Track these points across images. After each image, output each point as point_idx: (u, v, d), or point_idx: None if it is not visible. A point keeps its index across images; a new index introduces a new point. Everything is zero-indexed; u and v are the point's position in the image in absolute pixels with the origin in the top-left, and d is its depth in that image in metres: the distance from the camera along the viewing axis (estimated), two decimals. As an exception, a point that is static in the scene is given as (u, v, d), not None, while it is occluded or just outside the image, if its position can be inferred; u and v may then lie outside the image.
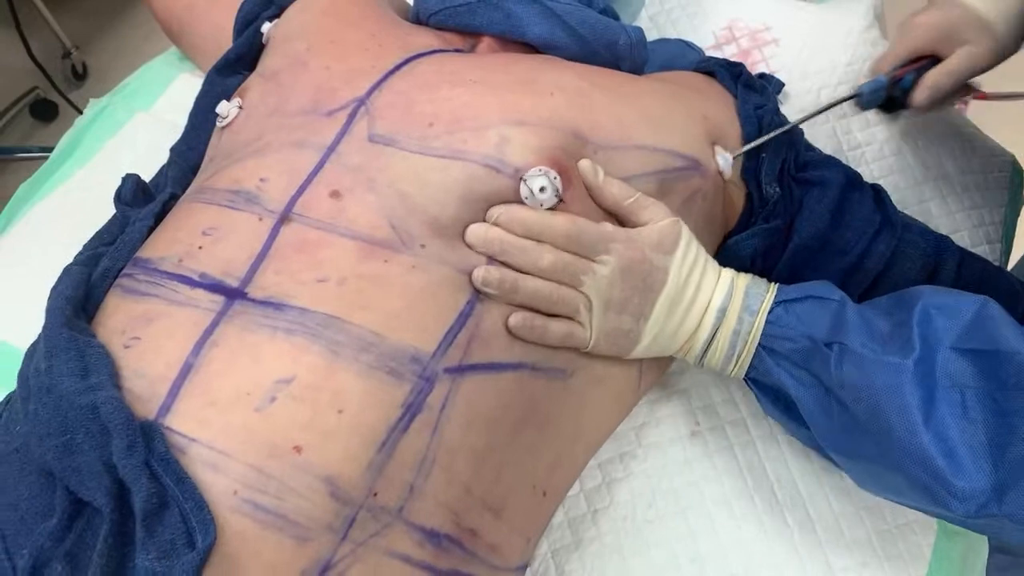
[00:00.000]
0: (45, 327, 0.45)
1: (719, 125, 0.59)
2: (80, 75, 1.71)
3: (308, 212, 0.48)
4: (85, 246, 0.55)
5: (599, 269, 0.50)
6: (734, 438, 0.60)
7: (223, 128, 0.57)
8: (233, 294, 0.45)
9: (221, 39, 0.69)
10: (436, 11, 0.62)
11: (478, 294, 0.47)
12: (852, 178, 0.62)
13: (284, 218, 0.48)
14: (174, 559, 0.37)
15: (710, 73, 0.66)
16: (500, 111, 0.50)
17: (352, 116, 0.52)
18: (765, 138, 0.59)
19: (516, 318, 0.48)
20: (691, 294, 0.52)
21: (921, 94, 0.63)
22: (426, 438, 0.44)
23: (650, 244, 0.50)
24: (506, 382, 0.48)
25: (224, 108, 0.58)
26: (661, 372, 0.62)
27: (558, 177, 0.48)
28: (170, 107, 0.79)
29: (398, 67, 0.55)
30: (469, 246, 0.48)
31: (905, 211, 0.69)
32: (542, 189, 0.47)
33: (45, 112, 1.67)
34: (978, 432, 0.44)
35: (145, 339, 0.44)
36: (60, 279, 0.50)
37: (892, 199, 0.65)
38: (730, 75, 0.64)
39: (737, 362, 0.53)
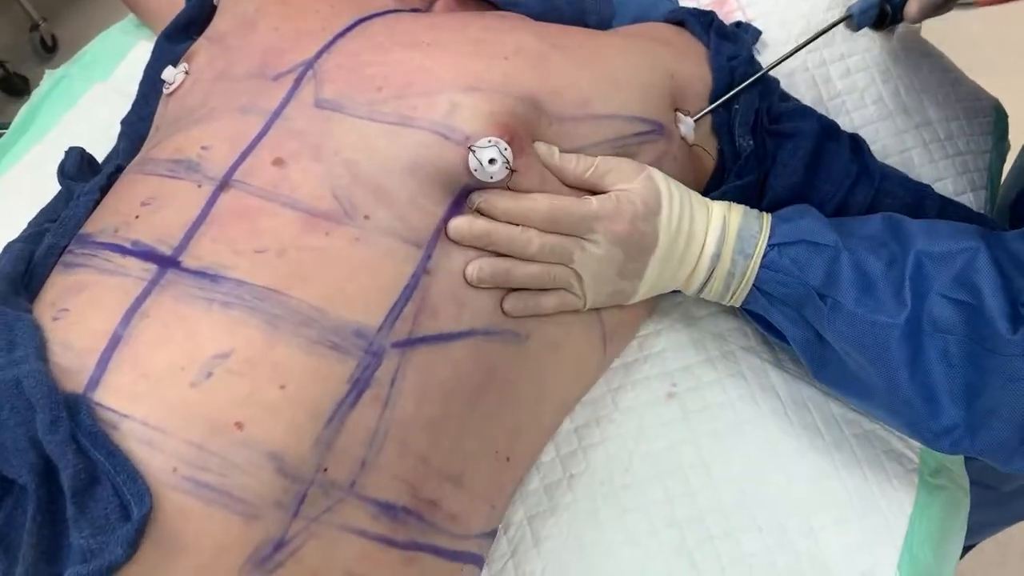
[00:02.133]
0: (-21, 304, 0.43)
1: (686, 80, 0.56)
2: (49, 48, 1.68)
3: (249, 179, 0.46)
4: (30, 223, 0.54)
5: (590, 248, 0.49)
6: (711, 399, 0.59)
7: (169, 95, 0.55)
8: (166, 262, 0.43)
9: (176, 4, 0.66)
10: None
11: (424, 265, 0.45)
12: (828, 128, 0.60)
13: (224, 184, 0.46)
14: (108, 534, 0.35)
15: (680, 23, 0.63)
16: (453, 75, 0.48)
17: (299, 80, 0.50)
18: (730, 94, 0.57)
19: (510, 302, 0.48)
20: (683, 244, 0.52)
21: (913, 4, 0.60)
22: (376, 412, 0.42)
23: (634, 213, 0.49)
24: (458, 351, 0.46)
25: (170, 74, 0.56)
26: (630, 338, 0.60)
27: (508, 148, 0.46)
28: (129, 77, 0.76)
29: (349, 28, 0.53)
30: (454, 240, 0.46)
31: (887, 161, 0.68)
32: (491, 161, 0.45)
33: (15, 87, 1.64)
34: (956, 376, 0.47)
35: (74, 310, 0.42)
36: (6, 258, 0.48)
37: (873, 149, 0.63)
38: (701, 24, 0.62)
39: (732, 297, 0.54)
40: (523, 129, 0.47)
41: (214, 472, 0.38)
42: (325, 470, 0.41)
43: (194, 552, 0.37)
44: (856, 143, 0.61)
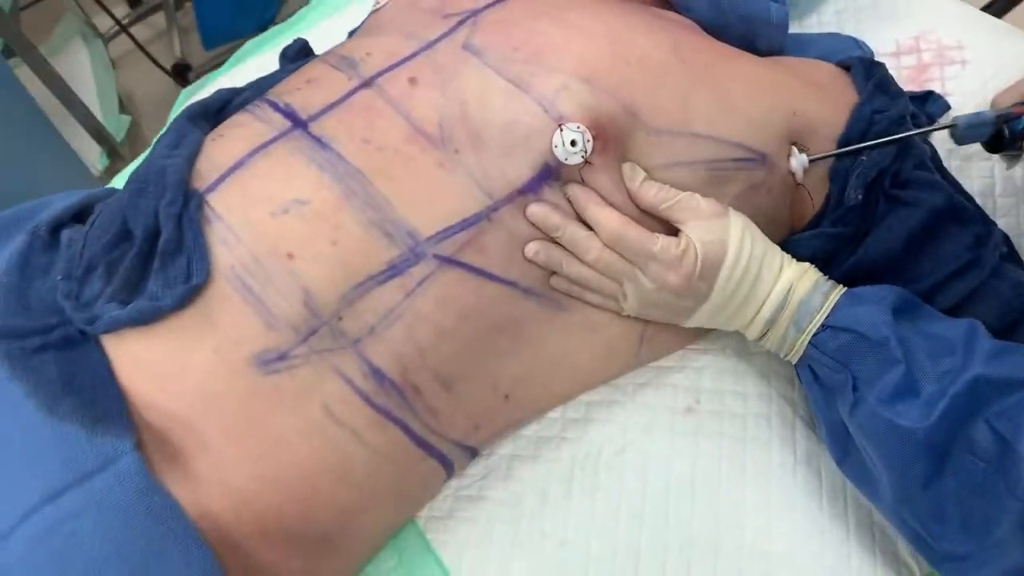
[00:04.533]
0: (175, 117, 0.58)
1: (810, 122, 0.57)
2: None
3: (386, 86, 0.55)
4: (247, 84, 0.69)
5: (642, 279, 0.53)
6: (728, 429, 0.59)
7: (374, 11, 0.67)
8: (298, 124, 0.54)
9: None
10: None
11: (488, 214, 0.51)
12: (955, 209, 0.56)
13: (366, 83, 0.56)
14: (171, 288, 0.47)
15: (847, 68, 0.62)
16: (576, 62, 0.52)
17: (460, 23, 0.58)
18: (856, 147, 0.56)
19: (555, 279, 0.54)
20: (739, 301, 0.54)
21: None
22: (398, 297, 0.50)
23: (692, 271, 0.51)
24: (491, 290, 0.52)
25: (380, -3, 0.68)
26: (671, 349, 0.62)
27: (591, 141, 0.50)
28: None
29: None
30: (531, 222, 0.52)
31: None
32: (572, 143, 0.50)
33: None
34: (977, 506, 0.46)
35: (226, 136, 0.55)
36: (211, 95, 0.63)
37: None
38: (865, 72, 0.60)
39: (785, 358, 0.55)
40: (614, 131, 0.51)
41: (258, 281, 0.49)
42: (340, 319, 0.50)
43: (220, 330, 0.48)
44: (984, 237, 0.56)
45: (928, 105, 0.68)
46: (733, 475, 0.57)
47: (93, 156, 1.48)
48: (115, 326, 0.48)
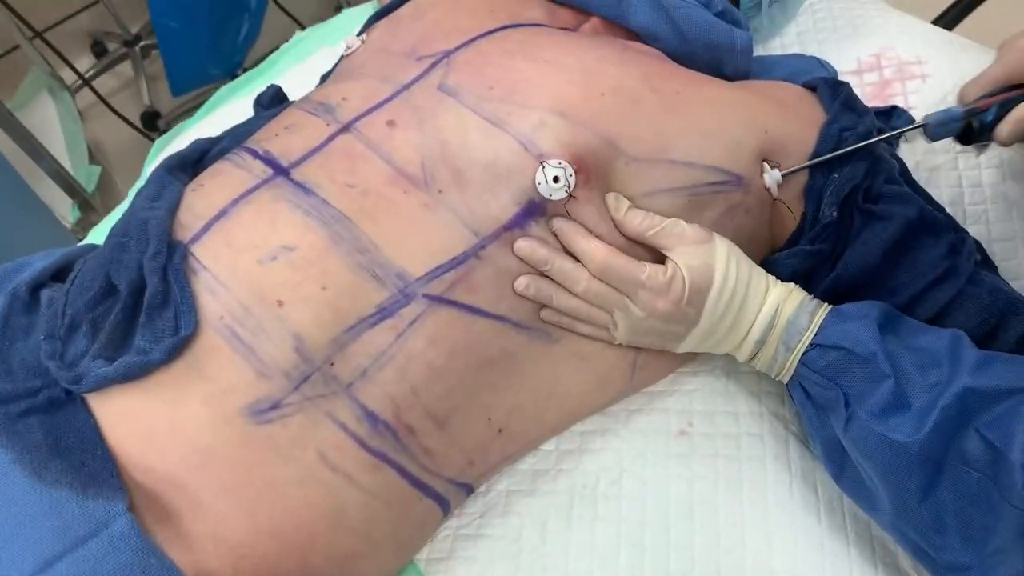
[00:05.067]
0: (154, 170, 0.58)
1: (781, 140, 0.58)
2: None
3: (364, 130, 0.56)
4: (223, 132, 0.69)
5: (631, 307, 0.54)
6: (723, 449, 0.59)
7: (346, 56, 0.68)
8: (280, 171, 0.54)
9: None
10: None
11: (476, 251, 0.52)
12: (928, 220, 0.57)
13: (345, 128, 0.56)
14: (159, 343, 0.47)
15: (813, 89, 0.64)
16: (551, 97, 0.53)
17: (434, 65, 0.59)
18: (822, 158, 0.57)
19: (548, 313, 0.54)
20: (728, 324, 0.55)
21: (1004, 128, 0.56)
22: (389, 339, 0.50)
23: (680, 296, 0.52)
24: (482, 326, 0.52)
25: (353, 41, 0.68)
26: (664, 374, 0.62)
27: (573, 175, 0.51)
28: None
29: (493, 31, 0.61)
30: (519, 257, 0.52)
31: (1017, 284, 0.62)
32: (555, 179, 0.51)
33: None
34: (975, 516, 0.46)
35: (207, 186, 0.55)
36: (188, 146, 0.63)
37: (1006, 266, 0.60)
38: (831, 92, 0.62)
39: (777, 377, 0.56)
40: (594, 163, 0.52)
41: (248, 330, 0.48)
42: (332, 364, 0.49)
43: (210, 382, 0.48)
44: (958, 245, 0.57)
45: (893, 119, 0.70)
46: (730, 495, 0.57)
47: (64, 208, 1.47)
48: (103, 383, 0.47)
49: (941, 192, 0.67)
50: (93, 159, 1.66)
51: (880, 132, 0.61)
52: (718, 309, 0.53)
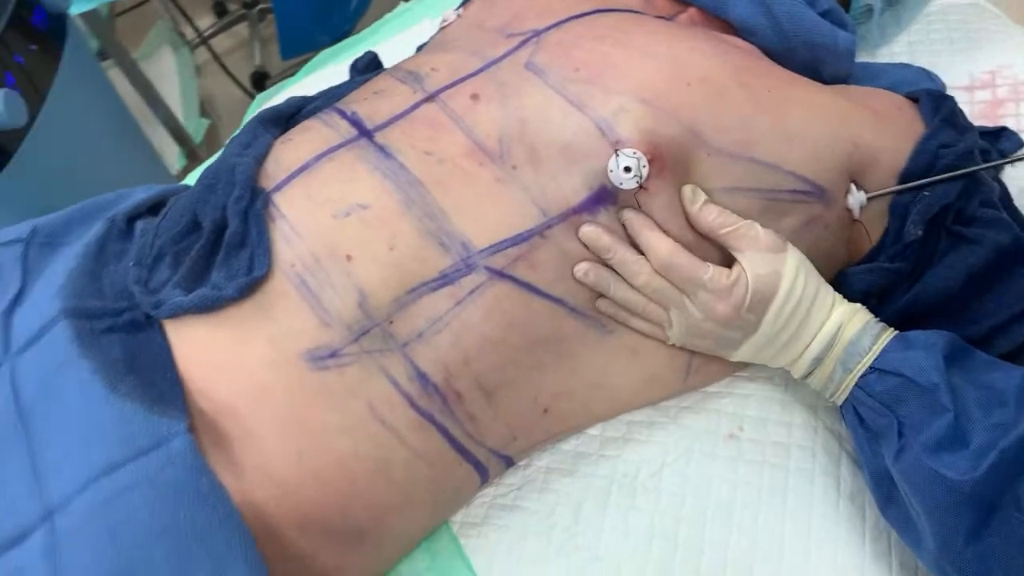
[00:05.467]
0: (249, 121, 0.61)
1: (872, 153, 0.56)
2: None
3: (449, 101, 0.57)
4: (318, 93, 0.72)
5: (690, 307, 0.53)
6: (772, 457, 0.58)
7: (442, 28, 0.69)
8: (364, 132, 0.56)
9: None
10: None
11: (542, 231, 0.52)
12: (1022, 249, 0.54)
13: (430, 97, 0.58)
14: (233, 280, 0.50)
15: (915, 100, 0.61)
16: (635, 83, 0.53)
17: (524, 43, 0.60)
18: (919, 183, 0.55)
19: (602, 302, 0.54)
20: (786, 338, 0.53)
21: None
22: (448, 305, 0.51)
23: (741, 302, 0.51)
24: (538, 305, 0.53)
25: (450, 14, 0.70)
26: (719, 377, 0.61)
27: (647, 166, 0.50)
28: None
29: (586, 14, 0.62)
30: (583, 242, 0.52)
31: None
32: (627, 169, 0.50)
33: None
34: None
35: (295, 140, 0.58)
36: (284, 101, 0.66)
37: None
38: (933, 105, 0.59)
39: (831, 399, 0.54)
40: (673, 153, 0.51)
41: (316, 279, 0.51)
42: (391, 322, 0.51)
43: (276, 323, 0.50)
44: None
45: (1001, 141, 0.66)
46: (773, 504, 0.56)
47: (172, 156, 1.56)
48: (178, 312, 0.50)
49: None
50: (204, 112, 1.75)
51: (984, 153, 0.58)
52: (779, 321, 0.52)
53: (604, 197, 0.52)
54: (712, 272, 0.51)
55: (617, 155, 0.51)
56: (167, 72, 1.74)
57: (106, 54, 1.43)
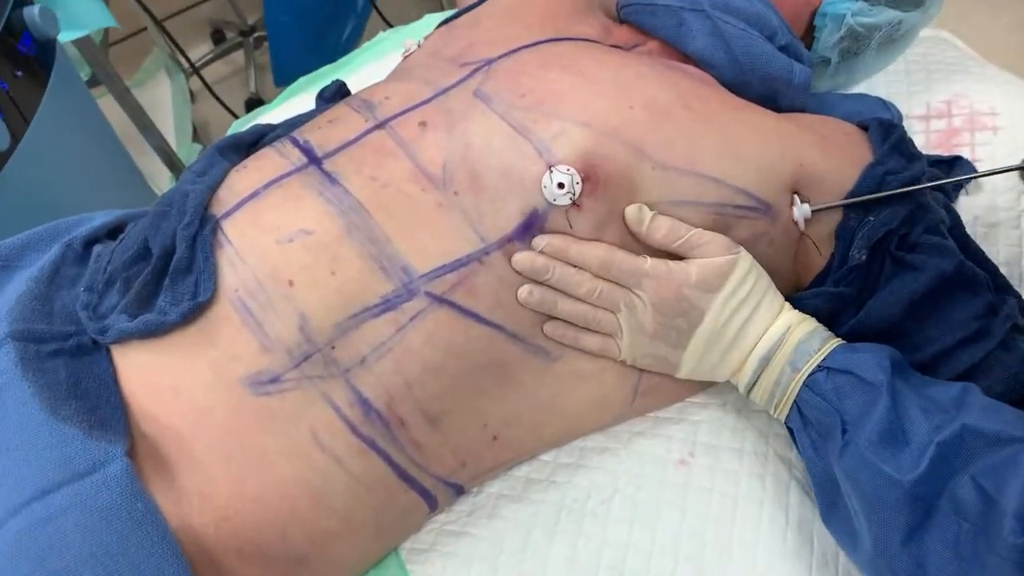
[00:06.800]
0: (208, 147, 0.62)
1: (817, 175, 0.56)
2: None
3: (398, 129, 0.58)
4: (282, 121, 0.73)
5: (635, 301, 0.53)
6: (720, 486, 0.58)
7: (405, 57, 0.71)
8: (313, 160, 0.57)
9: None
10: (626, 4, 0.67)
11: (480, 256, 0.52)
12: (966, 277, 0.54)
13: (379, 125, 0.59)
14: (177, 305, 0.50)
15: (865, 128, 0.62)
16: (578, 108, 0.54)
17: (475, 71, 0.61)
18: (858, 199, 0.55)
19: (551, 327, 0.55)
20: (732, 334, 0.53)
21: None
22: (390, 331, 0.52)
23: (688, 282, 0.52)
24: (478, 332, 0.53)
25: (408, 44, 0.71)
26: (668, 402, 0.61)
27: (580, 183, 0.51)
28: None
29: (539, 43, 0.63)
30: (517, 271, 0.53)
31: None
32: (560, 185, 0.51)
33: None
34: (964, 570, 0.44)
35: (248, 168, 0.59)
36: (247, 129, 0.67)
37: None
38: (882, 133, 0.60)
39: (777, 410, 0.54)
40: (613, 172, 0.52)
41: (258, 303, 0.51)
42: (333, 348, 0.51)
43: (218, 348, 0.51)
44: (997, 306, 0.54)
45: (955, 170, 0.66)
46: (720, 531, 0.56)
47: (164, 181, 1.58)
48: (123, 337, 0.51)
49: (998, 250, 0.64)
50: (197, 137, 1.78)
51: (932, 180, 0.59)
52: (728, 308, 0.52)
53: (535, 221, 0.52)
54: (651, 261, 0.52)
55: (551, 171, 0.51)
56: (162, 98, 1.77)
57: (97, 80, 1.46)
